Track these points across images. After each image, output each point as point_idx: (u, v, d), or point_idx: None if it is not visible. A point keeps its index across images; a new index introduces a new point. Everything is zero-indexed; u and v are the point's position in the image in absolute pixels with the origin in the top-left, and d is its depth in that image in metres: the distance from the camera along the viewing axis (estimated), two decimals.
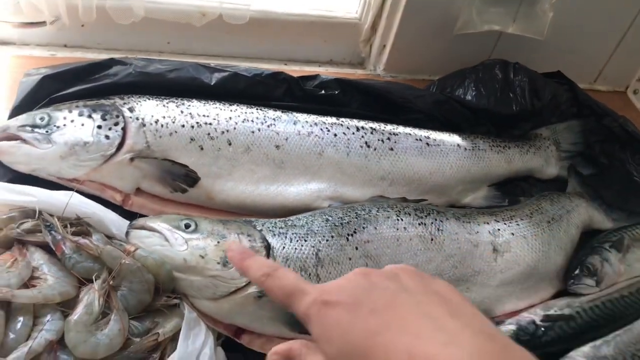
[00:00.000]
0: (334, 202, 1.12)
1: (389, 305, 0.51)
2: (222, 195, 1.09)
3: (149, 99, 1.12)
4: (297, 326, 0.91)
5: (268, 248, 0.93)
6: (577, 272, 1.08)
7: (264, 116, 1.14)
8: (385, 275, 0.55)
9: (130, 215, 1.06)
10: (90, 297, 0.83)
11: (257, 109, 1.15)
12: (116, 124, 1.06)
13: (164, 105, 1.11)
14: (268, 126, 1.13)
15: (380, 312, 0.50)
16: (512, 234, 1.08)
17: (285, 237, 0.95)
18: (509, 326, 1.00)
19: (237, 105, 1.15)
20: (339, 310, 0.51)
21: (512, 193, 1.32)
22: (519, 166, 1.33)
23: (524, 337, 0.98)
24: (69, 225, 0.91)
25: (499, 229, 1.08)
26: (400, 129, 1.23)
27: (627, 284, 1.11)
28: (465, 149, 1.26)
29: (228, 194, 1.09)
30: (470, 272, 1.03)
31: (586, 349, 0.99)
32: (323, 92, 1.26)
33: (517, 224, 1.10)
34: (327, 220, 1.00)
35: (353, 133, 1.17)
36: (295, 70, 1.49)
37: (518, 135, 1.40)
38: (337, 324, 0.51)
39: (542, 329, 0.99)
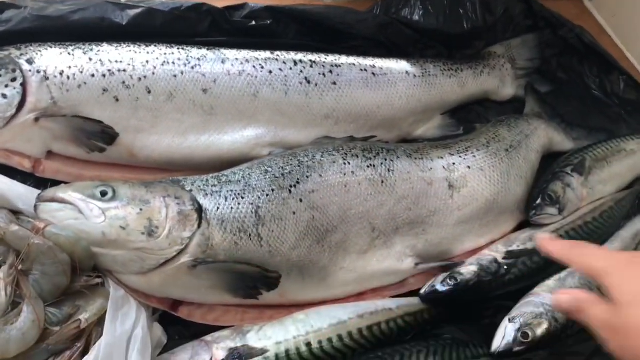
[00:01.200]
0: (275, 148, 1.01)
1: None
2: (146, 151, 0.97)
3: (50, 47, 0.97)
4: (241, 291, 0.83)
5: (200, 211, 0.83)
6: (538, 201, 1.01)
7: (187, 56, 1.00)
8: None
9: (44, 183, 0.94)
10: None
11: (178, 49, 1.02)
12: (13, 79, 0.91)
13: (69, 53, 0.96)
14: (192, 67, 0.99)
15: None
16: (469, 167, 1.00)
17: (220, 195, 0.85)
18: (470, 267, 0.93)
19: (155, 46, 1.01)
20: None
21: (467, 120, 1.24)
22: (474, 89, 1.23)
23: (486, 277, 0.92)
24: None
25: (454, 163, 1.00)
26: (343, 59, 1.11)
27: (590, 208, 1.05)
28: (415, 75, 1.15)
29: (152, 150, 0.97)
30: (425, 212, 0.95)
31: (551, 282, 0.94)
32: (253, 23, 1.12)
33: (474, 156, 1.02)
34: (267, 171, 0.89)
35: (290, 68, 1.05)
36: None
37: (470, 56, 1.30)
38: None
39: (505, 267, 0.93)
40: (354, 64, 1.11)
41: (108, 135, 0.93)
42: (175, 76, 0.98)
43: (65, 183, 0.93)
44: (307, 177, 0.90)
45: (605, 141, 1.15)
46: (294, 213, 0.87)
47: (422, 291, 0.92)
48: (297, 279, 0.87)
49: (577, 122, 1.25)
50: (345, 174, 0.92)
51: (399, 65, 1.15)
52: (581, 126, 1.24)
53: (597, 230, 1.02)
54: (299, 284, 0.87)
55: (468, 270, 0.93)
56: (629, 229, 1.04)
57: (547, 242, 0.73)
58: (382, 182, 0.93)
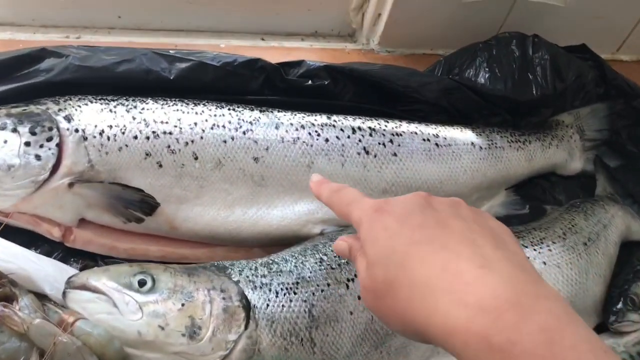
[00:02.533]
0: (328, 226, 0.92)
1: (439, 224, 0.54)
2: (188, 224, 0.87)
3: (91, 102, 0.88)
4: None
5: (248, 308, 0.73)
6: (619, 306, 0.90)
7: (239, 119, 0.91)
8: (445, 202, 0.59)
9: (73, 254, 0.85)
10: None
11: (229, 110, 0.93)
12: (49, 139, 0.83)
13: (110, 110, 0.87)
14: (244, 133, 0.90)
15: (429, 227, 0.54)
16: (544, 263, 0.89)
17: (269, 289, 0.75)
18: None
19: (204, 105, 0.92)
20: (391, 218, 0.56)
21: (532, 196, 1.13)
22: (542, 163, 1.13)
23: None
24: None
25: (528, 258, 0.88)
26: (404, 126, 1.02)
27: None
28: (481, 147, 1.05)
29: (195, 222, 0.87)
30: None
31: None
32: (310, 82, 1.03)
33: (549, 250, 0.91)
34: (321, 260, 0.80)
35: (348, 137, 0.96)
36: (274, 46, 1.26)
37: (537, 124, 1.20)
38: (384, 228, 0.56)
39: None
40: (416, 133, 1.01)
41: (148, 205, 0.84)
42: (225, 142, 0.89)
43: (97, 255, 0.86)
44: None
45: None
46: (351, 313, 0.77)
47: None
48: None
49: None
50: None
51: (464, 135, 1.06)
52: None
53: None
54: None
55: None
56: None
57: (316, 184, 0.72)
58: None
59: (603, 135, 1.23)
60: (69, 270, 0.78)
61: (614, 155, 1.23)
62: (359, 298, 0.78)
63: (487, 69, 1.18)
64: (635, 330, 0.90)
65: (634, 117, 1.24)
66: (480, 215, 0.58)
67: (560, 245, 0.92)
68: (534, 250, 0.90)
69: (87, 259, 0.85)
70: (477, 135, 1.07)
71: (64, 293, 0.72)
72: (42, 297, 0.73)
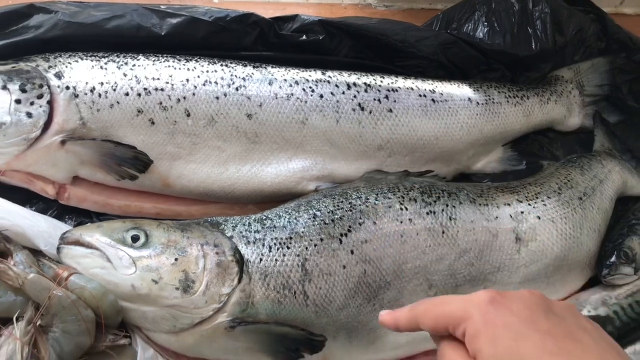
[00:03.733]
0: (322, 182, 0.92)
1: (569, 335, 0.49)
2: (182, 181, 0.87)
3: (82, 59, 0.87)
4: (281, 354, 0.74)
5: (241, 262, 0.73)
6: (612, 259, 0.91)
7: (231, 75, 0.90)
8: (563, 306, 0.54)
9: (68, 212, 0.86)
10: (11, 348, 0.64)
11: (221, 65, 0.92)
12: (40, 96, 0.82)
13: (101, 67, 0.87)
14: (236, 89, 0.89)
15: (560, 337, 0.49)
16: (538, 217, 0.89)
17: (263, 244, 0.76)
18: None
19: (196, 61, 0.91)
20: (513, 314, 0.50)
21: (529, 152, 1.13)
22: (539, 119, 1.12)
23: None
24: None
25: (522, 212, 0.89)
26: (400, 82, 1.00)
27: None
28: (478, 103, 1.04)
29: (189, 179, 0.87)
30: (488, 268, 0.85)
31: None
32: (304, 37, 1.01)
33: (544, 204, 0.91)
34: (315, 216, 0.80)
35: (343, 92, 0.95)
36: (268, 1, 1.23)
37: (535, 79, 1.18)
38: (507, 326, 0.49)
39: None
40: (412, 88, 1.00)
41: (141, 162, 0.84)
42: (217, 98, 0.88)
43: (91, 212, 0.86)
44: (360, 224, 0.80)
45: None
46: (344, 267, 0.77)
47: None
48: (344, 342, 0.77)
49: None
50: (401, 222, 0.82)
51: (461, 91, 1.04)
52: None
53: None
54: (346, 347, 0.78)
55: None
56: None
57: (387, 317, 0.58)
58: (443, 232, 0.83)
59: (603, 91, 1.21)
60: (63, 227, 0.78)
61: (613, 110, 1.21)
62: (352, 252, 0.78)
63: (485, 23, 1.15)
64: (628, 283, 0.91)
65: (635, 72, 1.22)
66: (598, 328, 0.53)
67: (555, 200, 0.92)
68: (529, 205, 0.90)
69: (81, 216, 0.86)
70: (474, 90, 1.05)
71: (58, 249, 0.72)
72: (36, 253, 0.74)
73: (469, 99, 1.04)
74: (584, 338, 0.49)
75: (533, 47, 1.15)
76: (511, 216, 0.88)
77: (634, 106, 1.22)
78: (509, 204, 0.89)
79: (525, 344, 0.47)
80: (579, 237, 0.91)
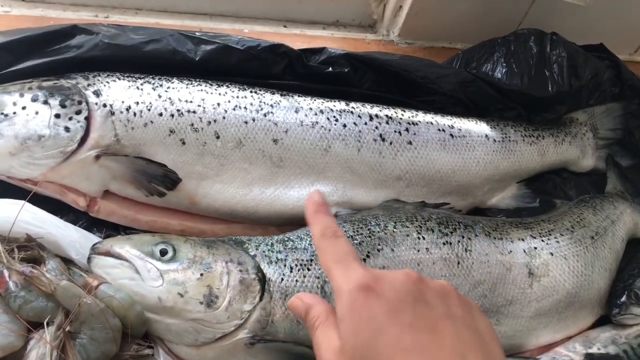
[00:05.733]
0: (342, 208, 0.94)
1: (431, 327, 0.50)
2: (208, 200, 0.90)
3: (119, 79, 0.91)
4: None
5: (263, 281, 0.76)
6: (623, 299, 0.93)
7: (260, 102, 0.94)
8: (437, 291, 0.54)
9: (96, 224, 0.89)
10: (41, 352, 0.66)
11: (251, 92, 0.96)
12: (78, 112, 0.86)
13: (137, 87, 0.90)
14: (264, 115, 0.93)
15: (420, 330, 0.49)
16: (551, 253, 0.92)
17: (284, 265, 0.78)
18: None
19: (227, 87, 0.95)
20: (379, 305, 0.50)
21: (543, 190, 1.15)
22: (554, 159, 1.15)
23: None
24: (15, 249, 0.73)
25: (535, 248, 0.91)
26: (420, 116, 1.04)
27: None
28: (495, 140, 1.07)
29: (215, 199, 0.91)
30: (501, 301, 0.87)
31: None
32: (330, 69, 1.06)
33: (557, 241, 0.93)
34: None
35: (365, 123, 0.98)
36: (295, 33, 1.28)
37: (551, 121, 1.22)
38: (371, 318, 0.50)
39: None
40: (431, 123, 1.04)
41: (170, 180, 0.87)
42: (246, 122, 0.92)
43: (119, 225, 0.89)
44: (379, 250, 0.83)
45: None
46: None
47: None
48: None
49: None
50: (419, 251, 0.85)
51: (479, 128, 1.08)
52: None
53: None
54: None
55: None
56: None
57: (313, 207, 0.64)
58: (459, 263, 0.86)
59: (616, 135, 1.24)
60: (93, 238, 0.81)
61: (626, 154, 1.25)
62: None
63: (504, 64, 1.20)
64: (638, 324, 0.92)
65: None
66: (470, 312, 0.54)
67: (568, 238, 0.94)
68: (542, 241, 0.93)
69: (109, 229, 0.89)
70: (491, 128, 1.09)
71: (89, 258, 0.75)
72: (67, 262, 0.77)
73: (486, 135, 1.07)
74: (445, 330, 0.50)
75: (550, 89, 1.19)
76: (525, 251, 0.90)
77: None
78: (522, 239, 0.92)
79: (383, 339, 0.48)
80: (590, 275, 0.93)
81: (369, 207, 0.95)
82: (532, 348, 0.90)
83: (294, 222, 0.92)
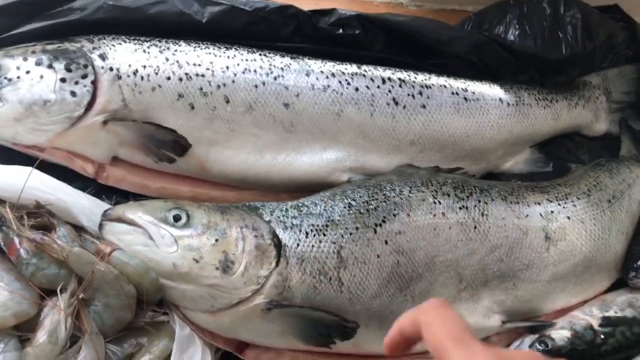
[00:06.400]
0: (354, 174, 0.93)
1: None
2: (219, 166, 0.89)
3: (125, 42, 0.89)
4: (314, 339, 0.75)
5: (279, 246, 0.74)
6: (639, 262, 0.91)
7: (270, 65, 0.92)
8: None
9: (105, 191, 0.87)
10: (55, 319, 0.65)
11: (260, 55, 0.93)
12: (84, 76, 0.84)
13: (144, 51, 0.88)
14: (275, 78, 0.91)
15: None
16: (568, 217, 0.90)
17: (300, 230, 0.77)
18: (563, 332, 0.84)
19: (236, 50, 0.92)
20: None
21: (556, 155, 1.13)
22: (567, 122, 1.13)
23: (580, 346, 0.83)
24: (25, 216, 0.71)
25: (552, 212, 0.90)
26: (434, 79, 1.01)
27: None
28: (509, 104, 1.05)
29: (225, 165, 0.89)
30: (518, 265, 0.86)
31: None
32: (341, 31, 1.02)
33: (574, 205, 0.92)
34: (350, 205, 0.81)
35: (378, 86, 0.96)
36: None
37: (564, 84, 1.19)
38: None
39: (602, 336, 0.84)
40: (445, 86, 1.01)
41: (180, 146, 0.85)
42: (256, 86, 0.89)
43: (129, 192, 0.87)
44: (394, 215, 0.81)
45: None
46: (379, 256, 0.78)
47: None
48: (375, 330, 0.78)
49: None
50: (435, 215, 0.83)
51: (492, 91, 1.05)
52: None
53: None
54: (376, 335, 0.79)
55: (560, 335, 0.84)
56: None
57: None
58: (475, 227, 0.84)
59: (630, 98, 1.22)
60: (104, 205, 0.79)
61: (639, 118, 1.22)
62: (386, 242, 0.79)
63: (517, 26, 1.16)
64: None
65: None
66: None
67: (584, 201, 0.93)
68: (559, 205, 0.91)
69: (118, 196, 0.87)
70: (505, 91, 1.07)
71: (101, 225, 0.73)
72: (78, 229, 0.75)
73: (500, 99, 1.05)
74: None
75: (563, 51, 1.16)
76: (541, 215, 0.89)
77: None
78: (539, 203, 0.90)
79: None
80: (607, 238, 0.92)
81: (382, 173, 0.94)
82: (548, 312, 0.89)
83: (306, 188, 0.90)
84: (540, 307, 0.88)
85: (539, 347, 0.82)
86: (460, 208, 0.85)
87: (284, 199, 0.91)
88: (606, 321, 0.85)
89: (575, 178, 0.98)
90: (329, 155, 0.92)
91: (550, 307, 0.89)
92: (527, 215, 0.88)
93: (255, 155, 0.89)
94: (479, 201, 0.86)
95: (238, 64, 0.90)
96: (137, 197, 0.88)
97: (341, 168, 0.92)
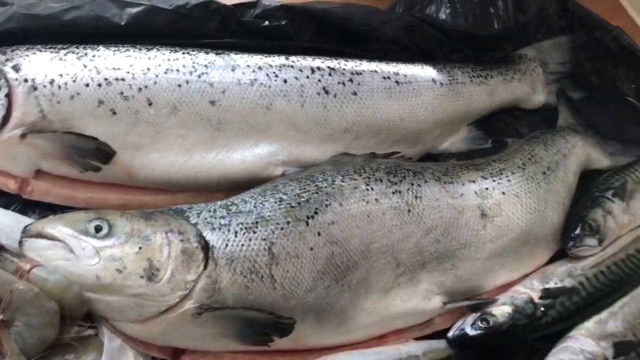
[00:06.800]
0: (289, 167, 0.92)
1: None
2: (145, 171, 0.87)
3: (40, 51, 0.86)
4: (250, 338, 0.74)
5: (206, 248, 0.73)
6: (577, 231, 0.92)
7: (193, 63, 0.90)
8: None
9: (31, 206, 0.85)
10: None
11: (183, 53, 0.91)
12: None
13: (60, 59, 0.86)
14: (199, 76, 0.89)
15: None
16: (503, 193, 0.91)
17: (229, 230, 0.76)
18: (503, 307, 0.85)
19: (157, 50, 0.91)
20: None
21: (494, 130, 1.14)
22: (503, 98, 1.13)
23: (521, 320, 0.84)
24: None
25: (487, 188, 0.90)
26: (364, 65, 1.01)
27: (632, 237, 0.96)
28: (442, 84, 1.05)
29: (152, 169, 0.87)
30: (455, 245, 0.86)
31: (590, 325, 0.85)
32: (267, 23, 1.01)
33: (509, 180, 0.92)
34: (281, 200, 0.80)
35: (307, 77, 0.95)
36: None
37: (499, 59, 1.19)
38: None
39: (542, 308, 0.85)
40: (376, 71, 1.01)
41: (104, 153, 0.83)
42: (179, 86, 0.87)
43: (55, 205, 0.85)
44: (326, 206, 0.81)
45: None
46: (312, 249, 0.78)
47: (450, 334, 0.84)
48: (313, 323, 0.78)
49: (611, 134, 1.15)
50: (368, 202, 0.82)
51: (425, 72, 1.05)
52: (616, 139, 1.14)
53: None
54: (315, 328, 0.78)
55: (501, 311, 0.84)
56: None
57: None
58: (409, 210, 0.84)
59: (566, 68, 1.23)
60: (25, 221, 0.77)
61: (577, 87, 1.23)
62: (319, 234, 0.78)
63: (448, 5, 1.17)
64: (593, 254, 0.92)
65: (596, 49, 1.24)
66: None
67: (519, 175, 0.93)
68: (493, 181, 0.91)
69: (45, 210, 0.85)
70: (438, 71, 1.06)
71: (20, 242, 0.72)
72: None
73: (433, 79, 1.04)
74: None
75: (495, 26, 1.17)
76: (476, 193, 0.89)
77: (596, 83, 1.24)
78: (473, 181, 0.90)
79: None
80: (543, 211, 0.92)
81: (317, 163, 0.93)
82: (490, 289, 0.90)
83: (240, 185, 0.89)
84: (482, 285, 0.89)
85: (480, 324, 0.82)
86: (393, 193, 0.84)
87: (218, 198, 0.90)
88: (546, 293, 0.86)
89: (511, 153, 0.99)
90: (261, 150, 0.91)
91: (491, 283, 0.89)
92: (462, 194, 0.88)
93: (183, 156, 0.88)
94: (412, 184, 0.86)
95: (159, 65, 0.88)
96: (64, 209, 0.86)
97: (274, 162, 0.91)
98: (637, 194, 1.00)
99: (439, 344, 0.84)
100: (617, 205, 0.96)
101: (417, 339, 0.85)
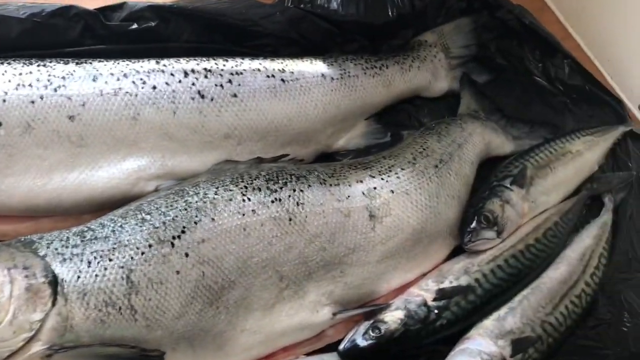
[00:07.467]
0: (163, 181, 0.85)
1: None
2: (2, 198, 0.79)
3: None
4: None
5: (54, 283, 0.66)
6: (473, 225, 0.88)
7: (49, 76, 0.82)
8: None
9: None
10: None
11: (38, 66, 0.83)
12: None
13: None
14: (55, 90, 0.82)
15: None
16: (392, 191, 0.86)
17: (81, 259, 0.69)
18: (396, 313, 0.80)
19: (8, 64, 0.83)
20: None
21: (397, 122, 1.10)
22: (401, 88, 1.09)
23: (414, 326, 0.80)
24: None
25: (375, 188, 0.85)
26: (246, 64, 0.95)
27: (533, 226, 0.93)
28: (332, 78, 1.00)
29: (9, 195, 0.80)
30: (343, 251, 0.81)
31: (489, 323, 0.82)
32: (135, 25, 0.94)
33: (397, 177, 0.87)
34: (143, 221, 0.73)
35: (180, 81, 0.88)
36: None
37: (397, 47, 1.14)
38: None
39: (435, 311, 0.81)
40: (258, 70, 0.95)
41: None
42: (32, 102, 0.80)
43: None
44: (196, 223, 0.74)
45: (548, 142, 1.03)
46: (178, 272, 0.71)
47: (341, 347, 0.79)
48: (187, 352, 0.72)
49: (518, 116, 1.12)
50: (244, 215, 0.77)
51: (314, 67, 1.00)
52: (523, 121, 1.11)
53: (540, 253, 0.90)
54: (190, 357, 0.73)
55: (393, 317, 0.80)
56: (576, 248, 0.92)
57: None
58: (290, 219, 0.79)
59: (470, 51, 1.19)
60: None
61: (483, 70, 1.20)
62: (187, 255, 0.72)
63: None
64: (491, 248, 0.89)
65: (500, 29, 1.21)
66: None
67: (409, 171, 0.89)
68: (382, 179, 0.87)
69: None
70: (328, 65, 1.01)
71: None
72: None
73: (323, 75, 0.99)
74: None
75: (390, 13, 1.12)
76: (364, 193, 0.84)
77: (502, 64, 1.21)
78: (361, 181, 0.86)
79: None
80: (436, 206, 0.88)
81: (197, 174, 0.86)
82: (385, 293, 0.85)
83: (109, 205, 0.82)
84: (375, 290, 0.84)
85: (371, 334, 0.78)
86: (272, 201, 0.79)
87: (87, 221, 0.83)
88: (440, 294, 0.82)
89: (402, 147, 0.94)
90: (129, 165, 0.84)
91: (386, 287, 0.85)
92: (349, 196, 0.83)
93: (42, 179, 0.80)
94: (294, 190, 0.81)
95: (9, 80, 0.81)
96: None
97: (146, 177, 0.85)
98: (538, 179, 0.97)
99: (331, 358, 0.79)
100: (515, 193, 0.93)
101: (309, 354, 0.80)
